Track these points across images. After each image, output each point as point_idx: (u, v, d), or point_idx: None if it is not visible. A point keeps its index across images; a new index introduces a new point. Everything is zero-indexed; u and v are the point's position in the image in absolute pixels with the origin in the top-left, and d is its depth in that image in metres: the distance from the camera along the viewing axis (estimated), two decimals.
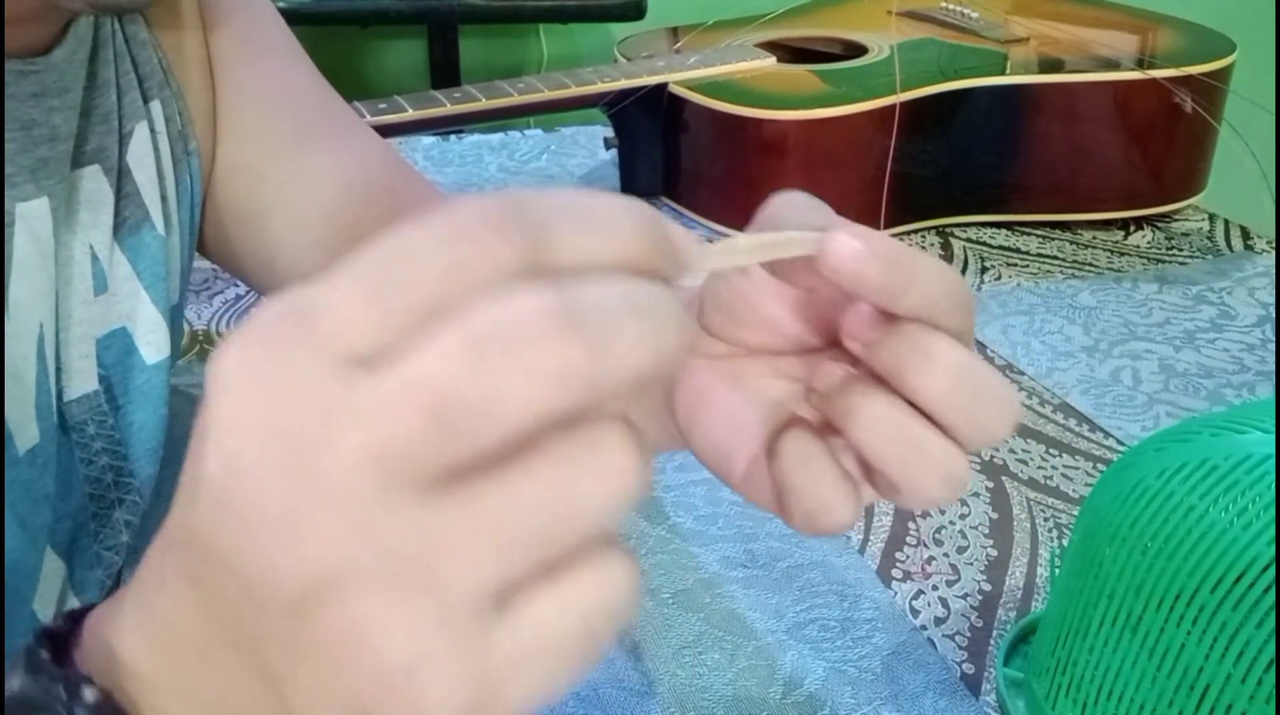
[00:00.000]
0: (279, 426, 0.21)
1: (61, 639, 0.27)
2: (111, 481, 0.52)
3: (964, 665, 0.68)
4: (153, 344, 0.52)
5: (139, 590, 0.25)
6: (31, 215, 0.45)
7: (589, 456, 0.21)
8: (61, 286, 0.48)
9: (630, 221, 0.23)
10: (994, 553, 0.78)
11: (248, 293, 1.08)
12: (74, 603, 0.51)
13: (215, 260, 0.62)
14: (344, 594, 0.21)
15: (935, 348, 0.30)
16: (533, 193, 0.22)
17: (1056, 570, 0.74)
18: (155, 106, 0.53)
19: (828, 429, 0.33)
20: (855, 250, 0.29)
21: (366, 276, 0.21)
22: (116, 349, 0.51)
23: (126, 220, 0.51)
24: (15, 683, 0.25)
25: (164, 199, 0.53)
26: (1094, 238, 1.27)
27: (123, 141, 0.51)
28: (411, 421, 0.20)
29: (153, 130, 0.52)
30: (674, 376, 0.38)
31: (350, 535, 0.20)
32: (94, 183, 0.49)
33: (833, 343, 0.35)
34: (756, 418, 0.36)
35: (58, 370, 0.48)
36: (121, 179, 0.51)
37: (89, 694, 0.25)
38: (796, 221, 0.33)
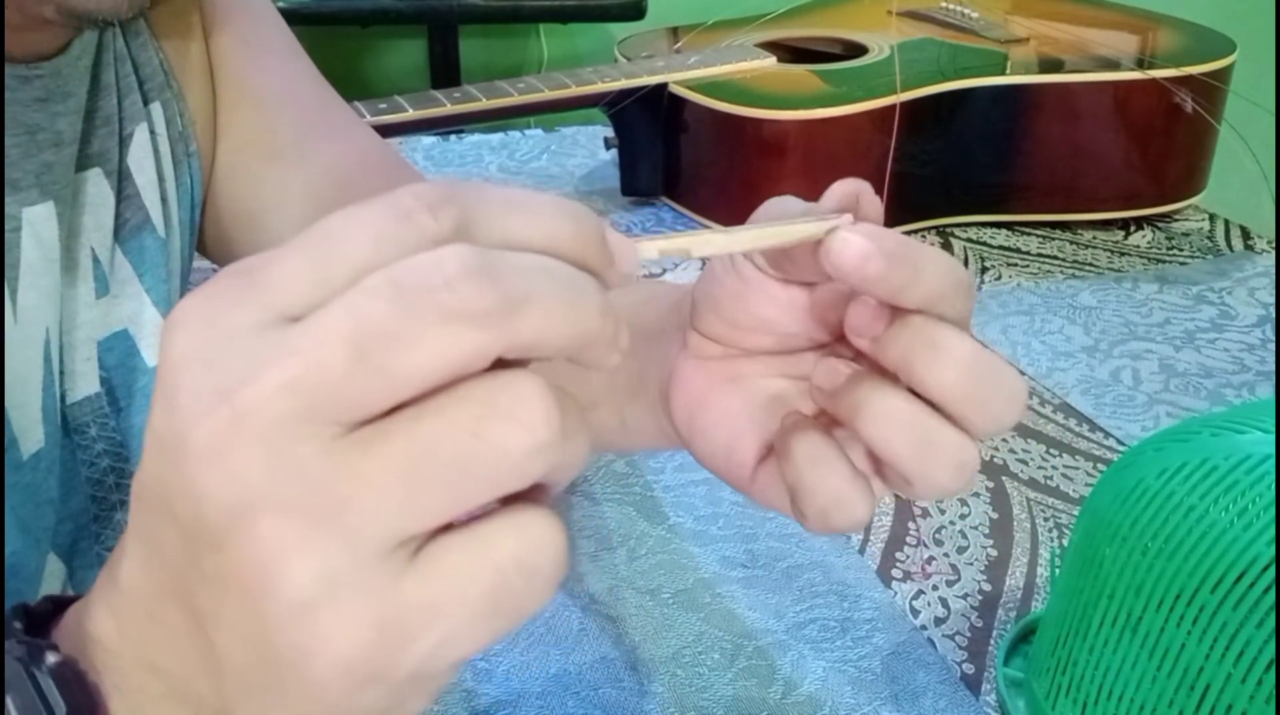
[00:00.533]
0: (211, 368, 0.22)
1: (43, 619, 0.28)
2: (113, 483, 0.52)
3: (964, 665, 0.68)
4: (154, 347, 0.52)
5: (108, 566, 0.26)
6: (37, 220, 0.45)
7: (500, 402, 0.22)
8: (65, 290, 0.48)
9: (558, 210, 0.24)
10: (994, 553, 0.78)
11: None
12: None
13: (215, 260, 0.62)
14: (257, 521, 0.21)
15: (943, 340, 0.30)
16: (471, 181, 0.23)
17: (1056, 570, 0.74)
18: (155, 108, 0.53)
19: (832, 424, 0.33)
20: (860, 248, 0.29)
21: (307, 244, 0.22)
22: (118, 351, 0.51)
23: (127, 222, 0.51)
24: None
25: (164, 201, 0.53)
26: (1094, 238, 1.27)
27: (123, 144, 0.51)
28: (331, 354, 0.21)
29: (153, 132, 0.53)
30: (668, 375, 0.38)
31: (267, 463, 0.21)
32: (95, 186, 0.49)
33: (830, 338, 0.35)
34: (759, 419, 0.36)
35: (60, 373, 0.48)
36: (122, 182, 0.51)
37: (51, 657, 0.26)
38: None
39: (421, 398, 0.22)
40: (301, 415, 0.21)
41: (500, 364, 0.22)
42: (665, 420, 0.39)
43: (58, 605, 0.28)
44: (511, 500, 0.23)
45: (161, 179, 0.53)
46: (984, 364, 0.30)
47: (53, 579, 0.49)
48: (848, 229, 0.29)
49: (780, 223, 0.31)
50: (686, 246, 0.29)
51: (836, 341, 0.35)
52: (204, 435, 0.21)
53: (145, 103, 0.52)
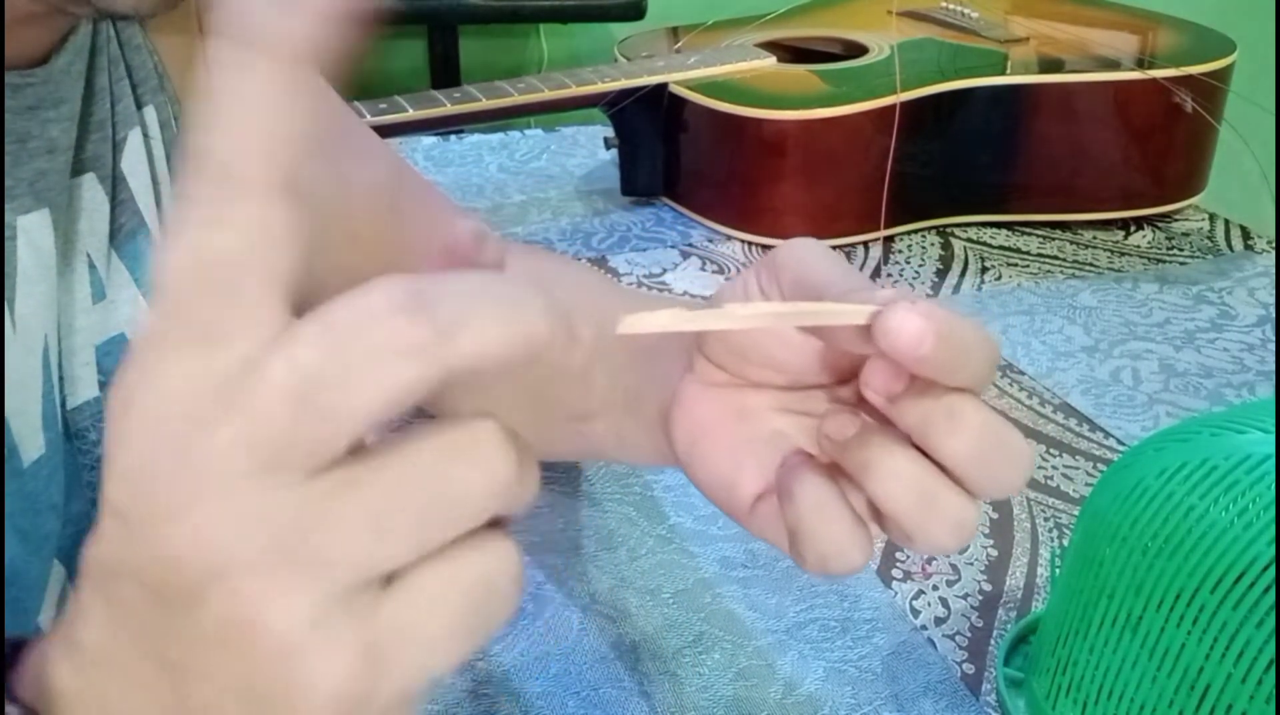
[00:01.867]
0: (161, 434, 0.22)
1: None
2: None
3: (964, 665, 0.68)
4: None
5: (65, 624, 0.27)
6: (32, 228, 0.45)
7: (463, 448, 0.23)
8: (62, 296, 0.48)
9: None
10: (994, 553, 0.78)
11: None
12: None
13: None
14: (232, 579, 0.22)
15: (962, 409, 0.30)
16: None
17: (1056, 570, 0.74)
18: (149, 112, 0.53)
19: (835, 468, 0.33)
20: (918, 329, 0.29)
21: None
22: (117, 355, 0.51)
23: (123, 227, 0.51)
24: None
25: (159, 204, 0.53)
26: (1094, 238, 1.27)
27: (116, 148, 0.51)
28: (277, 406, 0.22)
29: (146, 136, 0.52)
30: (670, 396, 0.38)
31: (233, 521, 0.22)
32: (90, 191, 0.49)
33: (836, 380, 0.35)
34: (762, 454, 0.36)
35: (60, 379, 0.48)
36: (116, 186, 0.51)
37: (13, 712, 0.26)
38: (812, 274, 0.33)
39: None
40: (259, 468, 0.22)
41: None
42: (663, 440, 0.39)
43: (14, 647, 0.29)
44: None
45: (156, 182, 0.53)
46: (997, 435, 0.30)
47: (53, 583, 0.49)
48: (908, 310, 0.29)
49: (817, 304, 0.31)
50: (711, 319, 0.29)
51: (843, 382, 0.35)
52: (166, 501, 0.22)
53: (138, 106, 0.52)
